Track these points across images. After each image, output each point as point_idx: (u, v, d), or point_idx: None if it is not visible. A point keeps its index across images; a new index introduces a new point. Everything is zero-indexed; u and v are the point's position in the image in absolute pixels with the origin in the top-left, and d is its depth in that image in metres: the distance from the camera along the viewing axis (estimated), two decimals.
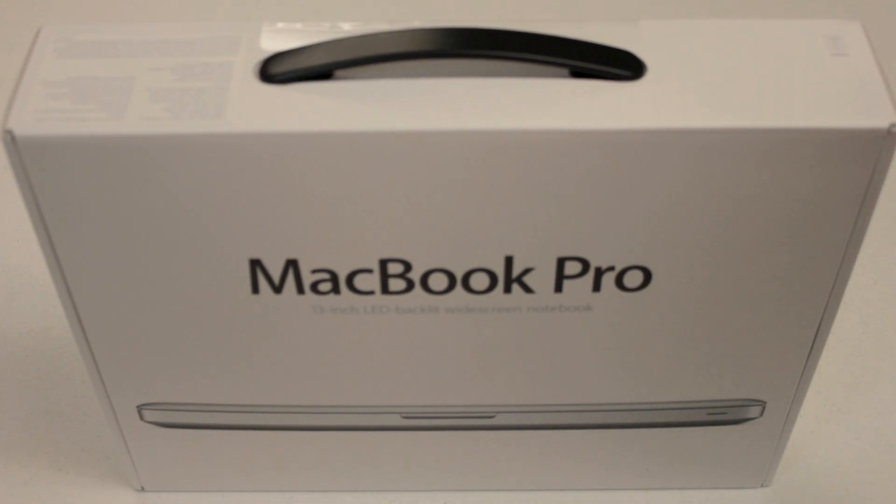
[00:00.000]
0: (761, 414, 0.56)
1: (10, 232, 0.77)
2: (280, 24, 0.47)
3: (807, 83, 0.44)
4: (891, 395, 0.67)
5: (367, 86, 0.44)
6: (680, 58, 0.45)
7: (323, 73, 0.45)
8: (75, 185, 0.44)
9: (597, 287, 0.49)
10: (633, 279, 0.49)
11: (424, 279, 0.48)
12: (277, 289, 0.49)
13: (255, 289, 0.49)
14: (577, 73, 0.45)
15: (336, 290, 0.49)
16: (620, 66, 0.45)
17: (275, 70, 0.45)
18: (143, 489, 0.62)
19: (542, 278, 0.48)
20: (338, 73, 0.45)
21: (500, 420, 0.56)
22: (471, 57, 0.45)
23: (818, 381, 0.67)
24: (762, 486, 0.62)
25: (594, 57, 0.45)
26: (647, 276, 0.48)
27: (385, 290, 0.49)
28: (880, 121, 0.43)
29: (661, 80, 0.45)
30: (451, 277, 0.48)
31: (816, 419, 0.66)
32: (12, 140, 0.43)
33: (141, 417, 0.56)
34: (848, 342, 0.70)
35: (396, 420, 0.56)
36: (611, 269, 0.48)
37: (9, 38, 0.94)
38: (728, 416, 0.56)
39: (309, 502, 0.62)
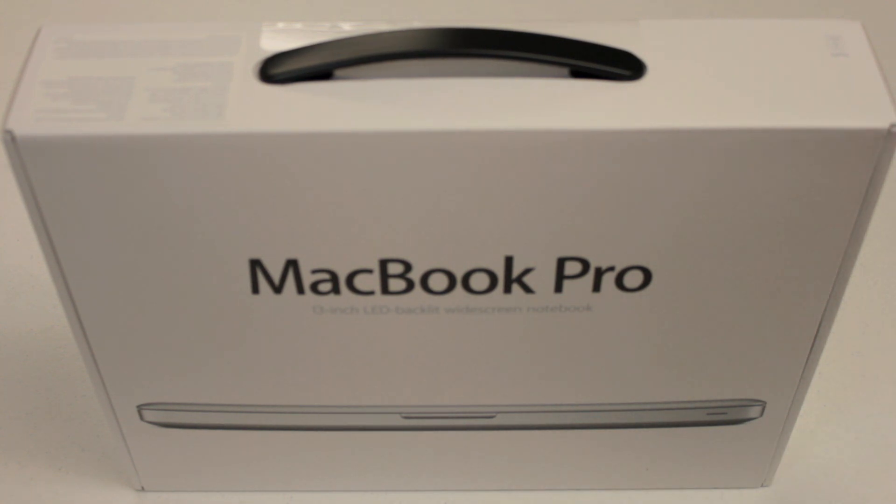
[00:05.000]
0: (761, 414, 0.56)
1: (10, 232, 0.77)
2: (280, 24, 0.47)
3: (807, 83, 0.44)
4: (891, 395, 0.67)
5: (367, 86, 0.44)
6: (680, 58, 0.45)
7: (323, 73, 0.45)
8: (75, 185, 0.44)
9: (597, 287, 0.49)
10: (633, 279, 0.49)
11: (424, 279, 0.48)
12: (277, 289, 0.49)
13: (255, 289, 0.49)
14: (577, 73, 0.45)
15: (336, 290, 0.49)
16: (620, 66, 0.45)
17: (275, 70, 0.45)
18: (142, 489, 0.62)
19: (542, 278, 0.48)
20: (338, 72, 0.45)
21: (500, 420, 0.56)
22: (471, 57, 0.45)
23: (818, 381, 0.67)
24: (762, 486, 0.62)
25: (594, 57, 0.45)
26: (647, 276, 0.48)
27: (385, 290, 0.49)
28: (880, 121, 0.43)
29: (661, 80, 0.45)
30: (451, 277, 0.48)
31: (816, 419, 0.66)
32: (12, 140, 0.43)
33: (141, 417, 0.56)
34: (848, 342, 0.70)
35: (396, 420, 0.56)
36: (611, 269, 0.48)
37: (9, 38, 0.94)
38: (728, 416, 0.56)
39: (309, 502, 0.62)
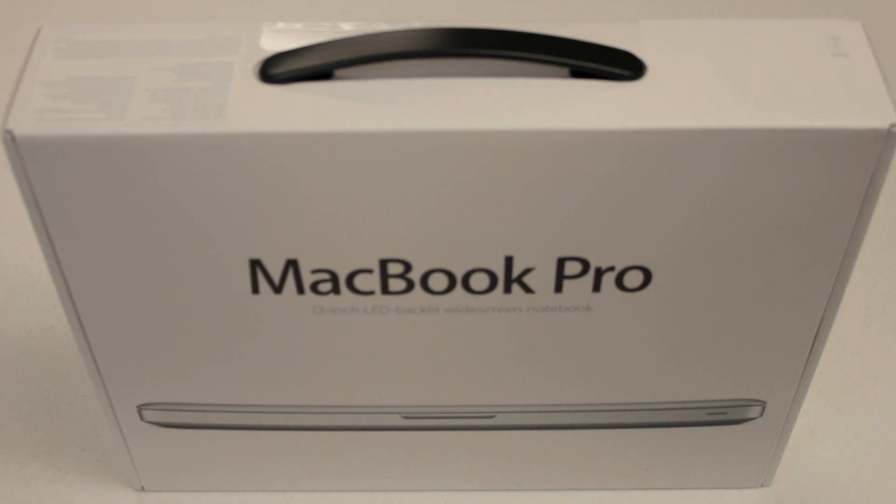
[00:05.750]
0: (761, 414, 0.56)
1: (10, 232, 0.77)
2: (280, 24, 0.47)
3: (807, 83, 0.44)
4: (891, 395, 0.67)
5: (366, 86, 0.44)
6: (680, 58, 0.45)
7: (323, 73, 0.45)
8: (75, 185, 0.44)
9: (597, 287, 0.49)
10: (633, 279, 0.49)
11: (424, 279, 0.48)
12: (277, 289, 0.49)
13: (255, 289, 0.49)
14: (577, 74, 0.45)
15: (336, 290, 0.49)
16: (620, 66, 0.45)
17: (275, 70, 0.45)
18: (142, 489, 0.62)
19: (542, 278, 0.48)
20: (337, 72, 0.45)
21: (500, 420, 0.56)
22: (470, 57, 0.45)
23: (818, 381, 0.67)
24: (762, 486, 0.62)
25: (594, 57, 0.45)
26: (647, 276, 0.48)
27: (385, 290, 0.49)
28: (880, 121, 0.43)
29: (661, 80, 0.45)
30: (451, 277, 0.48)
31: (816, 419, 0.66)
32: (12, 140, 0.43)
33: (141, 417, 0.56)
34: (848, 342, 0.70)
35: (396, 420, 0.56)
36: (611, 269, 0.48)
37: (9, 38, 0.94)
38: (728, 416, 0.56)
39: (309, 502, 0.62)
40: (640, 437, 0.58)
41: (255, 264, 0.48)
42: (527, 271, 0.48)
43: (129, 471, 0.61)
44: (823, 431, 0.65)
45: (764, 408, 0.56)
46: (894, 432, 0.65)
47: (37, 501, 0.62)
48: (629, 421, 0.56)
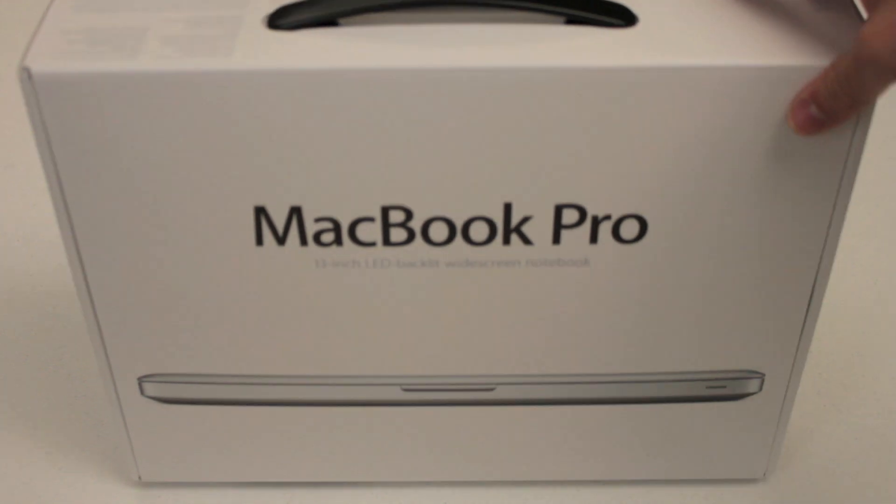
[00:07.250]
0: (760, 388, 0.56)
1: (11, 232, 0.78)
2: None
3: (797, 27, 0.46)
4: (891, 395, 0.67)
5: (371, 30, 0.46)
6: (672, 10, 0.47)
7: (329, 22, 0.47)
8: (86, 123, 0.46)
9: (594, 238, 0.50)
10: (629, 230, 0.49)
11: (425, 229, 0.49)
12: (281, 240, 0.50)
13: (260, 240, 0.50)
14: (572, 23, 0.47)
15: (339, 240, 0.50)
16: (613, 16, 0.47)
17: (282, 21, 0.46)
18: (140, 479, 0.61)
19: (540, 228, 0.49)
20: (343, 21, 0.47)
21: (499, 393, 0.56)
22: (470, 5, 0.47)
23: (818, 381, 0.68)
24: (763, 475, 0.62)
25: (588, 7, 0.47)
26: (643, 226, 0.49)
27: (387, 240, 0.50)
28: None
29: (653, 27, 0.46)
30: (451, 227, 0.49)
31: (816, 418, 0.66)
32: (29, 77, 0.44)
33: (141, 392, 0.56)
34: (848, 342, 0.70)
35: (396, 393, 0.56)
36: (607, 217, 0.49)
37: (9, 39, 0.96)
38: (727, 389, 0.56)
39: (309, 500, 0.61)
40: (640, 417, 0.58)
41: (260, 212, 0.49)
42: (525, 220, 0.49)
43: (128, 460, 0.60)
44: (823, 431, 0.65)
45: (763, 381, 0.56)
46: (894, 432, 0.65)
47: (37, 501, 0.61)
48: (628, 395, 0.56)
